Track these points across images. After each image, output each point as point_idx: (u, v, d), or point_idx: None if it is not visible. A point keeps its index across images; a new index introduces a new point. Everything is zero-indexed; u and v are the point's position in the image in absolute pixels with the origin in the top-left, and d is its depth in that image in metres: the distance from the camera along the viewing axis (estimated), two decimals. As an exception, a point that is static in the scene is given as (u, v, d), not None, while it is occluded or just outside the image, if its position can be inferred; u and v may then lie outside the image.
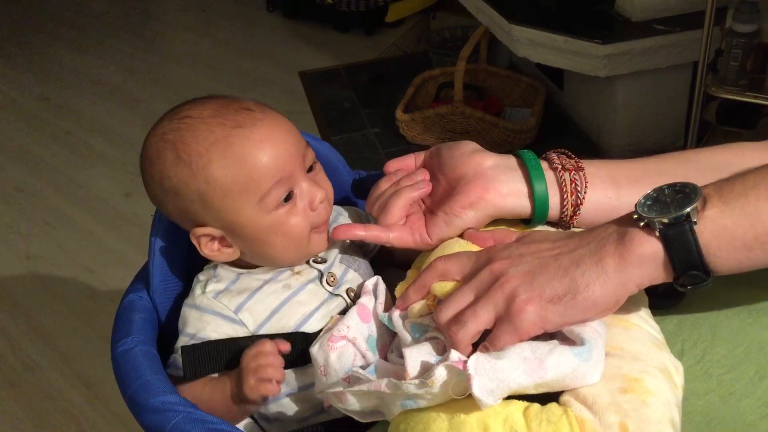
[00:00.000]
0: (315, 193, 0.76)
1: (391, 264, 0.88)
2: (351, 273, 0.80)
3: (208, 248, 0.76)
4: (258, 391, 0.71)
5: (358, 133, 2.40)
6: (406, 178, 0.80)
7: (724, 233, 0.61)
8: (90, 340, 1.73)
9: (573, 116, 2.33)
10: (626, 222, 0.65)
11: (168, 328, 0.80)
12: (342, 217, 0.85)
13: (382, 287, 0.76)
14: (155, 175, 0.75)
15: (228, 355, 0.74)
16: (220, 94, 0.79)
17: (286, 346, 0.73)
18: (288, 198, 0.75)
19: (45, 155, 2.47)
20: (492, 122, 2.17)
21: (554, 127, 2.29)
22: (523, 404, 0.61)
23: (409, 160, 0.84)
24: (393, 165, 0.83)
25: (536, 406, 0.61)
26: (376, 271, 0.87)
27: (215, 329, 0.75)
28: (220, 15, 3.42)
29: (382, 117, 2.43)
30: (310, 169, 0.78)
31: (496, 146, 2.20)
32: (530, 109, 2.28)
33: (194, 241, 0.76)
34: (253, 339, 0.75)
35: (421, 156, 0.83)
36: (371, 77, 2.71)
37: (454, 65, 2.20)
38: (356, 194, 0.93)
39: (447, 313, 0.66)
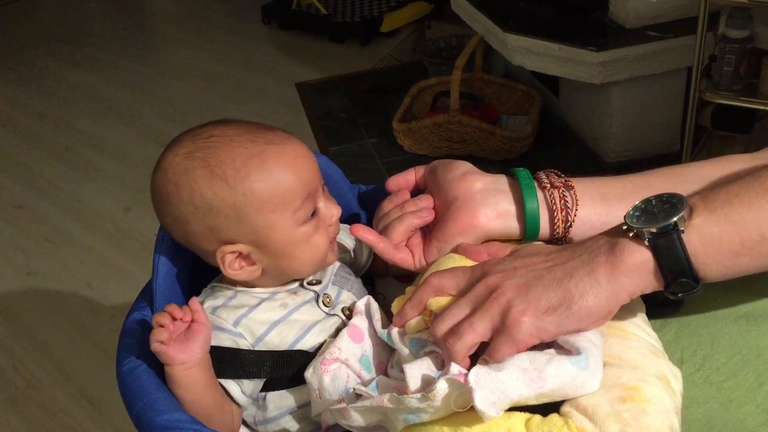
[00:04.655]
0: (333, 210, 0.80)
1: (388, 274, 0.89)
2: (345, 293, 0.81)
3: (232, 267, 0.77)
4: (154, 351, 0.71)
5: (355, 143, 2.40)
6: (410, 203, 0.82)
7: (711, 241, 0.62)
8: (92, 356, 1.74)
9: (569, 123, 2.34)
10: (616, 233, 0.66)
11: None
12: (343, 232, 0.87)
13: (374, 306, 0.78)
14: (183, 194, 0.75)
15: (227, 364, 0.75)
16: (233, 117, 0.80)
17: (194, 302, 0.73)
18: (313, 214, 0.78)
19: (44, 171, 2.48)
20: (489, 130, 2.17)
21: (550, 134, 2.30)
22: (524, 416, 0.62)
23: (410, 175, 0.85)
24: (394, 182, 0.85)
25: (538, 417, 0.62)
26: (374, 282, 0.88)
27: (216, 343, 0.76)
28: (216, 28, 3.43)
29: (379, 127, 2.44)
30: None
31: (493, 154, 2.21)
32: (526, 116, 2.29)
33: (218, 261, 0.77)
34: (255, 353, 0.76)
35: (421, 170, 0.85)
36: (367, 88, 2.72)
37: (449, 74, 2.20)
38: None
39: (444, 326, 0.67)
